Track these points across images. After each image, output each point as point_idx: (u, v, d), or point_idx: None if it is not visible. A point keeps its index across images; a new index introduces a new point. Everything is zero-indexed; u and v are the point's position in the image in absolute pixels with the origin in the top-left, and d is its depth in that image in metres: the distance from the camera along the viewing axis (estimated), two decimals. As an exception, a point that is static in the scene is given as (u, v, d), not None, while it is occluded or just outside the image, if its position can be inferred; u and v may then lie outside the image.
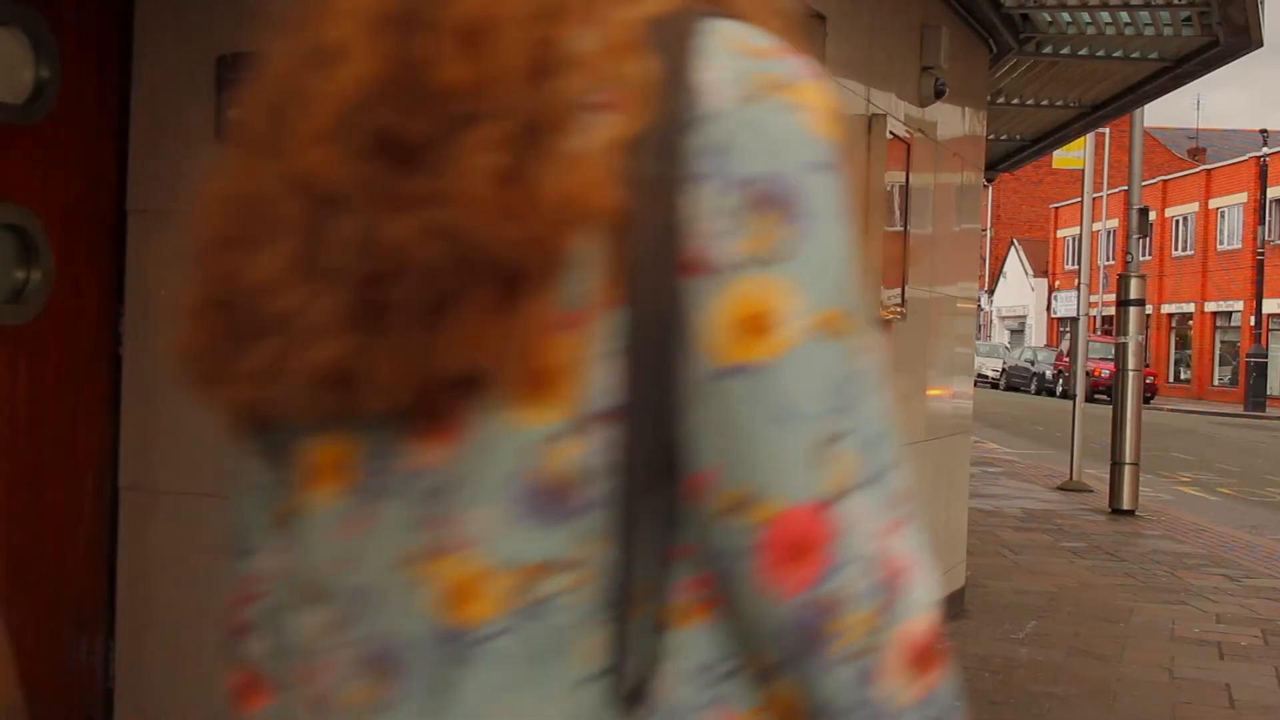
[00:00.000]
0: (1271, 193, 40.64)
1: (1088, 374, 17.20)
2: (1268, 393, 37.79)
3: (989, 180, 12.24)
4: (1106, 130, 23.46)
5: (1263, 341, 38.74)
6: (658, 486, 0.87)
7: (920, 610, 0.89)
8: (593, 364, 0.86)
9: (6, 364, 3.71)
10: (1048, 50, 8.79)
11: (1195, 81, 9.52)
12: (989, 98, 9.00)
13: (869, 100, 5.88)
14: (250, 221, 0.95)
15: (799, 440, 0.86)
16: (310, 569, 0.99)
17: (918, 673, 0.88)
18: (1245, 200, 42.67)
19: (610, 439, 0.87)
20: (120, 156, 4.02)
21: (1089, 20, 8.18)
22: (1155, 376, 39.97)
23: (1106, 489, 12.88)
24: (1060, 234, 55.02)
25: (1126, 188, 14.81)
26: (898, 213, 6.22)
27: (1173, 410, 36.12)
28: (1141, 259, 15.46)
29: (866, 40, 5.90)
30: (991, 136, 10.92)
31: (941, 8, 7.06)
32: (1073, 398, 15.39)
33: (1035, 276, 58.24)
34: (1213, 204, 45.33)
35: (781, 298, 0.86)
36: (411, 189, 0.86)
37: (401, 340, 0.86)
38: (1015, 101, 10.49)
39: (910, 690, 0.88)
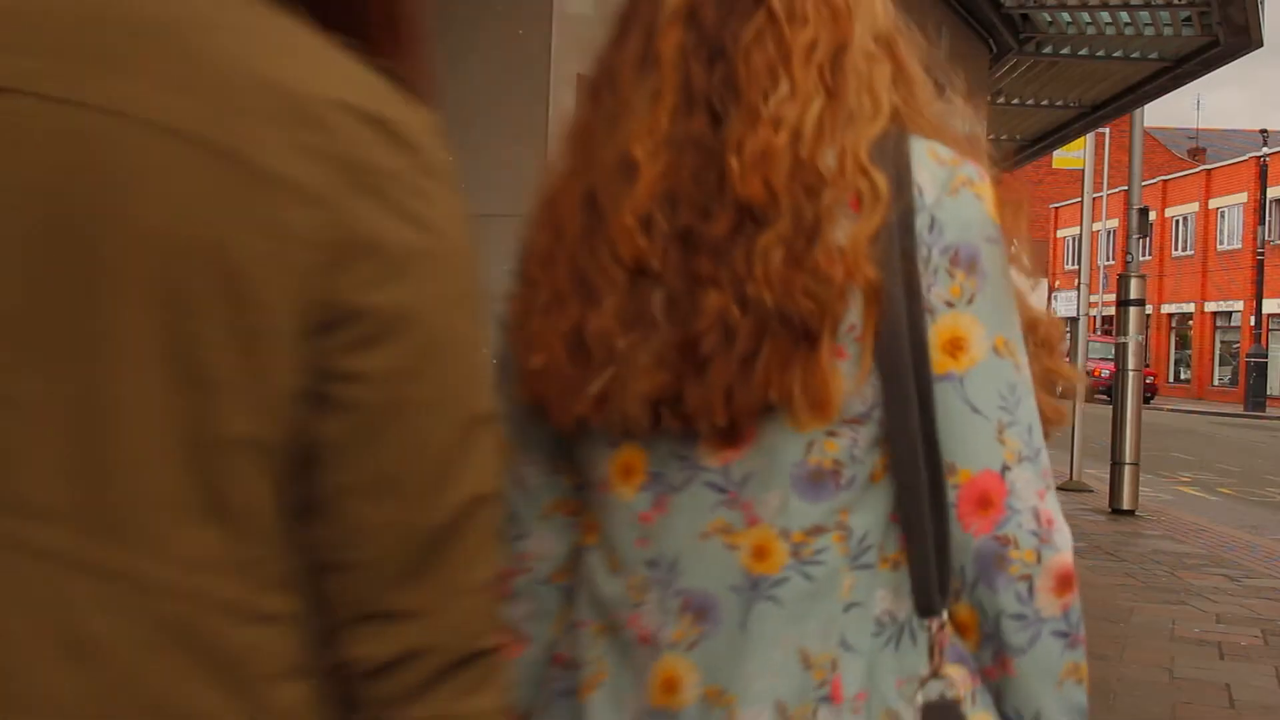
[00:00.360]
0: (1271, 193, 40.66)
1: (1088, 374, 17.22)
2: (1268, 393, 37.80)
3: (989, 180, 12.24)
4: (1106, 130, 23.48)
5: (1263, 341, 38.75)
6: (913, 460, 1.26)
7: (1062, 551, 1.27)
8: (849, 381, 1.23)
9: (6, 364, 3.70)
10: (1048, 50, 8.80)
11: (1195, 81, 9.53)
12: (989, 98, 9.00)
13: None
14: (587, 282, 1.28)
15: (984, 426, 1.25)
16: (615, 549, 1.32)
17: (1060, 593, 1.26)
18: (1245, 200, 42.69)
19: (857, 437, 1.25)
20: (120, 156, 4.01)
21: (1089, 20, 8.18)
22: (1155, 376, 40.00)
23: (1106, 489, 12.87)
24: (1060, 234, 55.05)
25: (1126, 188, 14.82)
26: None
27: (1173, 410, 36.15)
28: (1141, 259, 15.48)
29: (866, 40, 5.91)
30: (991, 136, 10.94)
31: (941, 8, 7.07)
32: (1073, 398, 15.36)
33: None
34: (1213, 204, 45.36)
35: (970, 327, 1.25)
36: (718, 272, 1.23)
37: (719, 379, 1.22)
38: (1015, 101, 10.50)
39: (1055, 605, 1.25)
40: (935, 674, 1.26)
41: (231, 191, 0.93)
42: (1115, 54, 8.95)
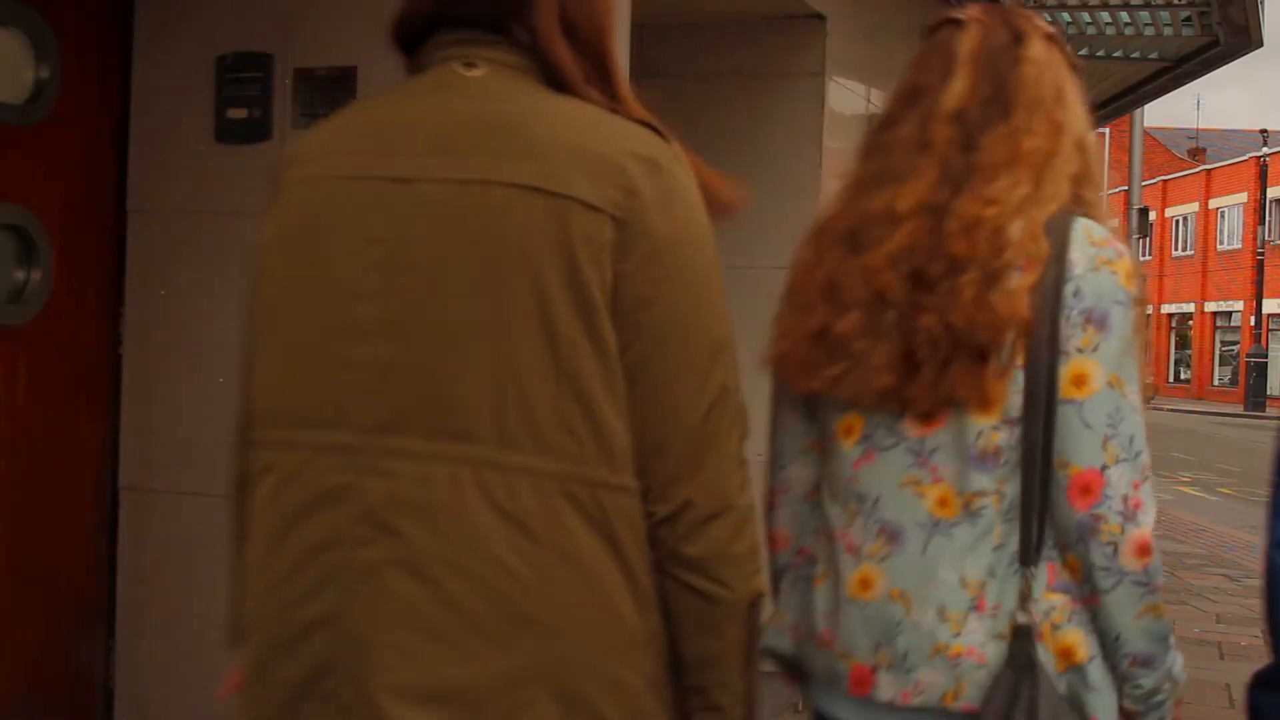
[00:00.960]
0: (1271, 193, 40.63)
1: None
2: (1268, 393, 37.77)
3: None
4: (1106, 130, 23.46)
5: (1263, 341, 38.72)
6: (1037, 456, 1.77)
7: (1143, 527, 1.77)
8: (1010, 394, 1.77)
9: (6, 364, 3.71)
10: (1048, 50, 8.79)
11: (1195, 81, 9.52)
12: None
13: (869, 100, 5.89)
14: (837, 296, 1.83)
15: (1093, 437, 1.77)
16: (835, 483, 1.90)
17: (1139, 556, 1.77)
18: (1245, 200, 42.67)
19: (1012, 433, 1.78)
20: (120, 156, 4.02)
21: (1089, 20, 8.18)
22: (1155, 376, 39.92)
23: (1106, 489, 12.84)
24: (1060, 234, 54.96)
25: (1126, 188, 14.82)
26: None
27: (1173, 410, 36.13)
28: (1141, 259, 15.47)
29: (866, 40, 5.90)
30: (991, 136, 10.93)
31: (942, 8, 7.07)
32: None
33: (1035, 276, 58.24)
34: (1213, 204, 45.34)
35: (1092, 368, 1.77)
36: (931, 302, 1.77)
37: (926, 380, 1.78)
38: (1015, 101, 10.49)
39: (1135, 563, 1.77)
40: (1025, 602, 1.79)
41: (565, 219, 1.50)
42: (1115, 54, 8.94)
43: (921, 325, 1.78)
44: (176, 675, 3.97)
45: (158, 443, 4.00)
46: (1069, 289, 1.77)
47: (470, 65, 1.61)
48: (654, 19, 5.26)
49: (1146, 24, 8.12)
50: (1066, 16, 8.09)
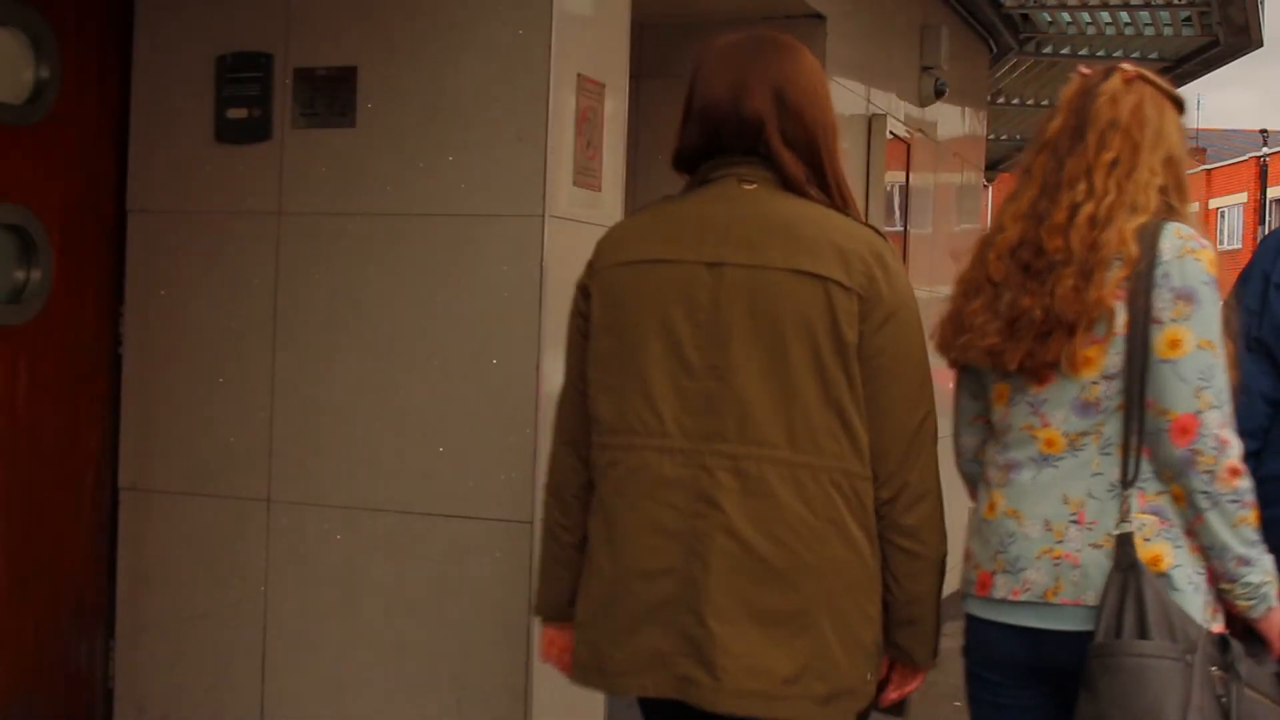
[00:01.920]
0: (1271, 193, 40.61)
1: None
2: (1268, 393, 37.72)
3: (989, 180, 12.23)
4: (1106, 130, 23.43)
5: (1263, 341, 38.66)
6: (1134, 405, 2.25)
7: (1232, 457, 2.23)
8: (1108, 356, 2.26)
9: (6, 364, 3.71)
10: (1048, 50, 8.79)
11: (1198, 82, 9.52)
12: (989, 98, 8.99)
13: (869, 100, 5.88)
14: (971, 288, 2.41)
15: (1188, 388, 2.23)
16: (993, 441, 2.45)
17: (1231, 478, 2.24)
18: (1245, 200, 42.65)
19: (1110, 387, 2.28)
20: (120, 156, 4.02)
21: (1089, 20, 8.17)
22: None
23: (1106, 489, 12.84)
24: (1060, 234, 55.00)
25: (1126, 188, 14.75)
26: (898, 213, 6.22)
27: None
28: (1141, 259, 15.39)
29: (866, 40, 5.90)
30: (991, 136, 10.92)
31: (941, 8, 7.06)
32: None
33: (1035, 276, 58.22)
34: (1213, 204, 45.32)
35: (1185, 334, 2.24)
36: (1036, 288, 2.29)
37: (1027, 347, 2.30)
38: (1015, 101, 10.48)
39: (1228, 485, 2.23)
40: (1125, 517, 2.25)
41: (828, 295, 2.25)
42: (1115, 54, 8.93)
43: (1024, 305, 2.30)
44: (176, 675, 3.97)
45: (158, 443, 4.00)
46: (1159, 272, 2.25)
47: (745, 181, 2.34)
48: (654, 19, 5.26)
49: (1146, 24, 8.11)
50: (1066, 16, 8.09)
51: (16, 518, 3.76)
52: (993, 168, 12.95)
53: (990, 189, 15.09)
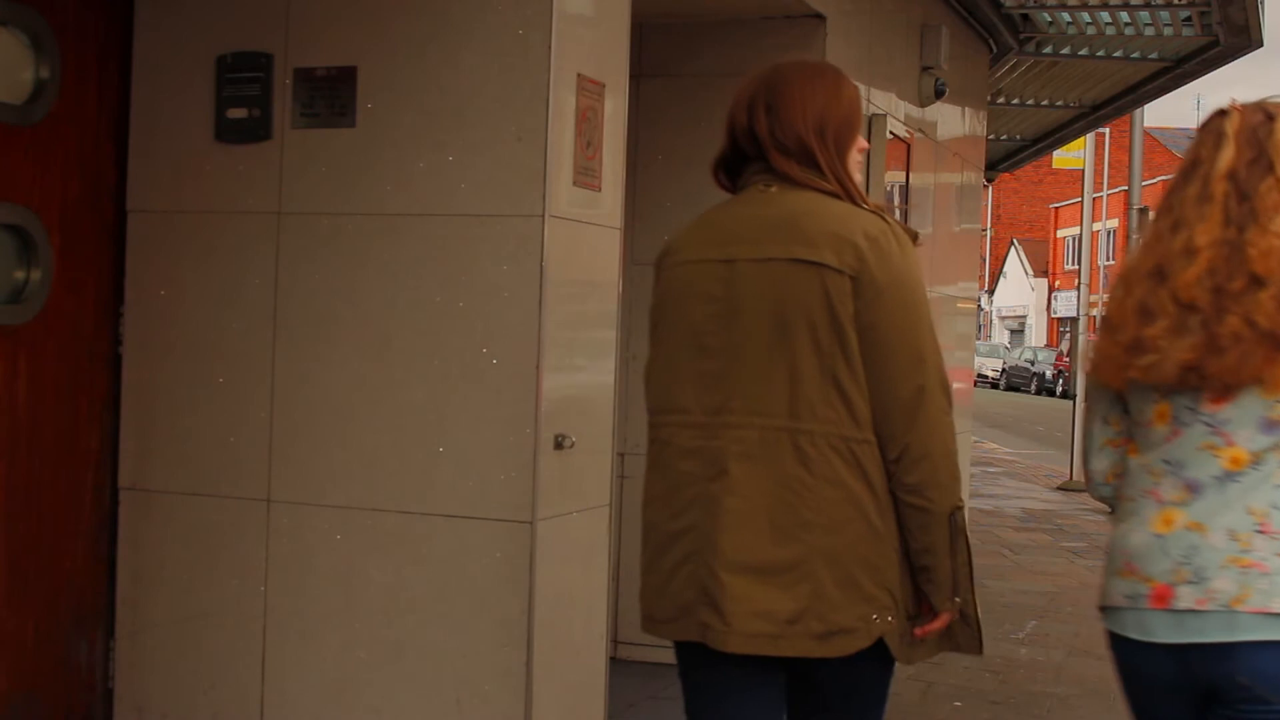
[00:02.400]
0: (1271, 193, 40.56)
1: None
2: (1268, 393, 37.69)
3: (989, 180, 12.23)
4: (1106, 130, 23.45)
5: (1263, 341, 38.64)
6: None
7: None
8: None
9: (6, 364, 3.71)
10: (1048, 50, 8.78)
11: (1199, 82, 9.52)
12: (989, 98, 9.00)
13: (869, 100, 5.89)
14: (1147, 314, 2.40)
15: None
16: (1147, 455, 2.46)
17: None
18: (1245, 200, 42.56)
19: None
20: (120, 156, 4.02)
21: (1089, 20, 8.17)
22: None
23: (1107, 489, 12.84)
24: (1060, 234, 55.00)
25: (1126, 188, 14.81)
26: (898, 213, 6.22)
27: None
28: (1141, 259, 15.41)
29: (866, 40, 5.90)
30: (991, 136, 10.91)
31: (941, 8, 7.07)
32: (1072, 398, 15.39)
33: (1035, 276, 58.22)
34: (1213, 204, 45.22)
35: None
36: (1236, 307, 2.32)
37: (1230, 362, 2.31)
38: (1015, 101, 10.48)
39: None
40: None
41: (823, 278, 2.50)
42: (1115, 54, 8.93)
43: (1227, 323, 2.35)
44: (176, 675, 3.98)
45: (158, 443, 4.00)
46: None
47: (768, 185, 2.65)
48: (654, 19, 5.26)
49: (1146, 24, 8.11)
50: (1066, 16, 8.09)
51: (17, 517, 3.76)
52: (993, 168, 12.95)
53: (990, 189, 15.09)
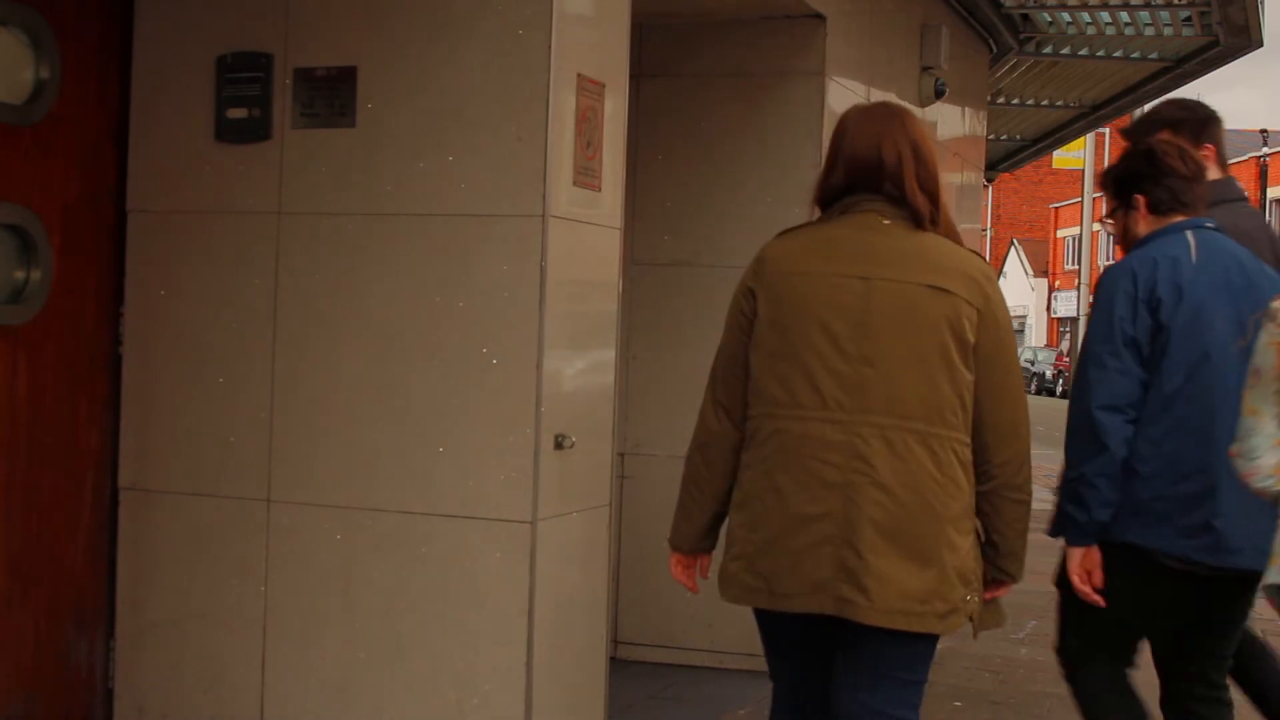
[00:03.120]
0: (1271, 193, 40.60)
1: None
2: (1268, 393, 37.70)
3: (989, 180, 12.23)
4: (1106, 130, 23.45)
5: (1263, 341, 38.63)
6: None
7: None
8: None
9: (6, 364, 3.71)
10: (1048, 50, 8.78)
11: (1200, 82, 9.52)
12: (989, 98, 8.99)
13: (868, 100, 5.88)
14: None
15: None
16: None
17: None
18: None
19: None
20: (120, 156, 4.02)
21: (1089, 20, 8.17)
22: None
23: (1106, 489, 12.82)
24: (1060, 234, 54.99)
25: (1126, 188, 14.74)
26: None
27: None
28: (1141, 259, 15.38)
29: (866, 40, 5.90)
30: (991, 136, 10.91)
31: (941, 8, 7.06)
32: (1073, 398, 15.34)
33: (1035, 276, 58.21)
34: (1213, 204, 45.24)
35: None
36: None
37: None
38: (1015, 101, 10.48)
39: None
40: None
41: (955, 306, 2.92)
42: (1115, 54, 8.93)
43: None
44: (176, 675, 3.98)
45: (158, 443, 4.00)
46: None
47: (883, 217, 3.00)
48: (654, 19, 5.26)
49: (1146, 24, 8.11)
50: (1066, 16, 8.09)
51: (17, 517, 3.76)
52: (993, 168, 12.95)
53: (990, 189, 15.07)
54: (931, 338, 2.92)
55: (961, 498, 2.94)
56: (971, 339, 2.93)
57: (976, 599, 3.00)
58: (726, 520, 3.09)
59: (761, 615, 3.09)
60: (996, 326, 2.97)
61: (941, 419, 2.91)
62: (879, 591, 2.88)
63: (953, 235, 3.04)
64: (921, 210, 2.98)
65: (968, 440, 2.96)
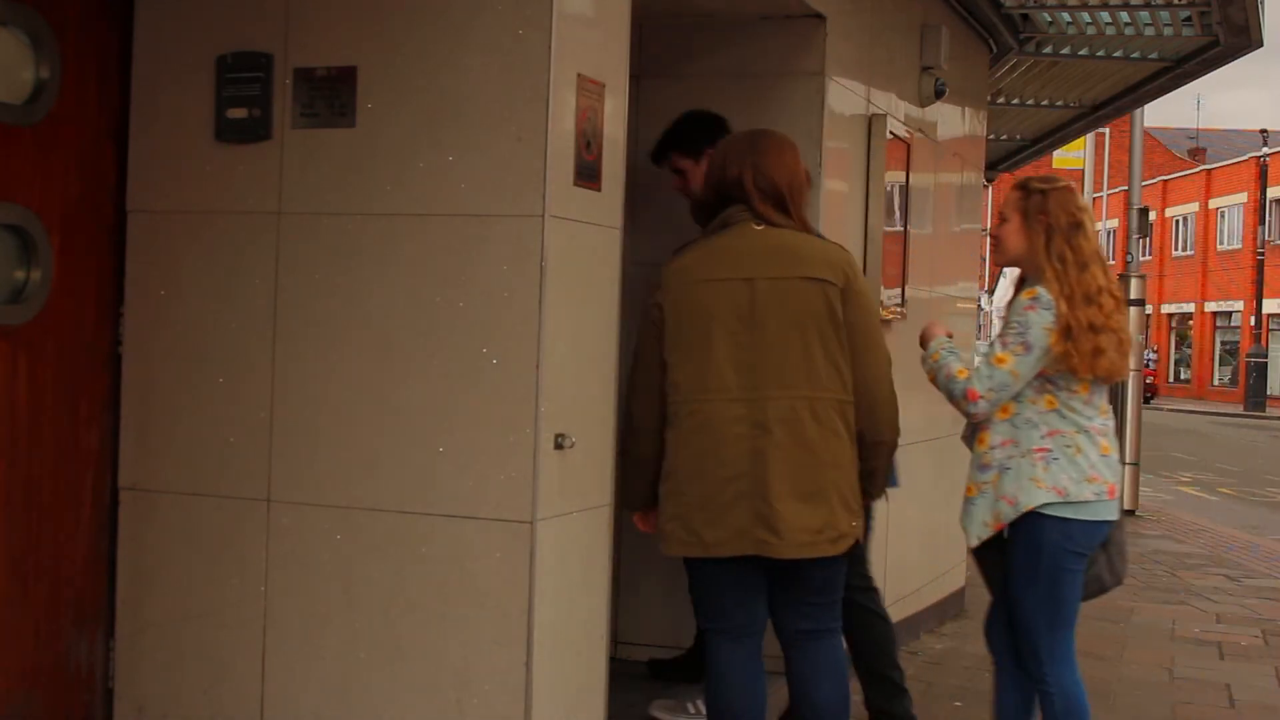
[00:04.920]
0: (1271, 193, 40.60)
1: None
2: (1268, 393, 37.73)
3: (989, 180, 12.23)
4: (1106, 130, 23.47)
5: (1263, 341, 38.68)
6: None
7: None
8: None
9: (6, 364, 3.71)
10: (1048, 50, 8.78)
11: (1204, 82, 9.50)
12: (989, 98, 8.99)
13: (869, 100, 5.88)
14: None
15: None
16: (1092, 410, 4.04)
17: None
18: (1245, 200, 42.64)
19: None
20: (120, 156, 4.02)
21: (1089, 20, 8.17)
22: (1155, 376, 39.93)
23: (1106, 489, 12.86)
24: (1060, 234, 54.86)
25: (1126, 188, 14.81)
26: (898, 213, 6.21)
27: (1173, 410, 36.11)
28: (1141, 259, 15.46)
29: (866, 40, 5.90)
30: (991, 136, 10.91)
31: (941, 8, 7.06)
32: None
33: (1035, 276, 58.12)
34: (1213, 204, 45.32)
35: None
36: None
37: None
38: (1015, 101, 10.48)
39: None
40: None
41: (824, 291, 3.74)
42: (1115, 54, 8.93)
43: None
44: (176, 675, 3.97)
45: (158, 443, 4.00)
46: None
47: (754, 224, 3.79)
48: (654, 18, 5.26)
49: (1146, 24, 8.11)
50: (1066, 16, 8.08)
51: (17, 517, 3.76)
52: (993, 168, 12.95)
53: (990, 189, 15.07)
54: (808, 320, 3.70)
55: (841, 444, 3.72)
56: (840, 315, 3.71)
57: (859, 523, 3.79)
58: (660, 488, 3.79)
59: (696, 565, 3.81)
60: (859, 303, 3.76)
61: (821, 384, 3.69)
62: (787, 531, 3.65)
63: (809, 229, 3.92)
64: (772, 216, 3.80)
65: (847, 397, 3.73)
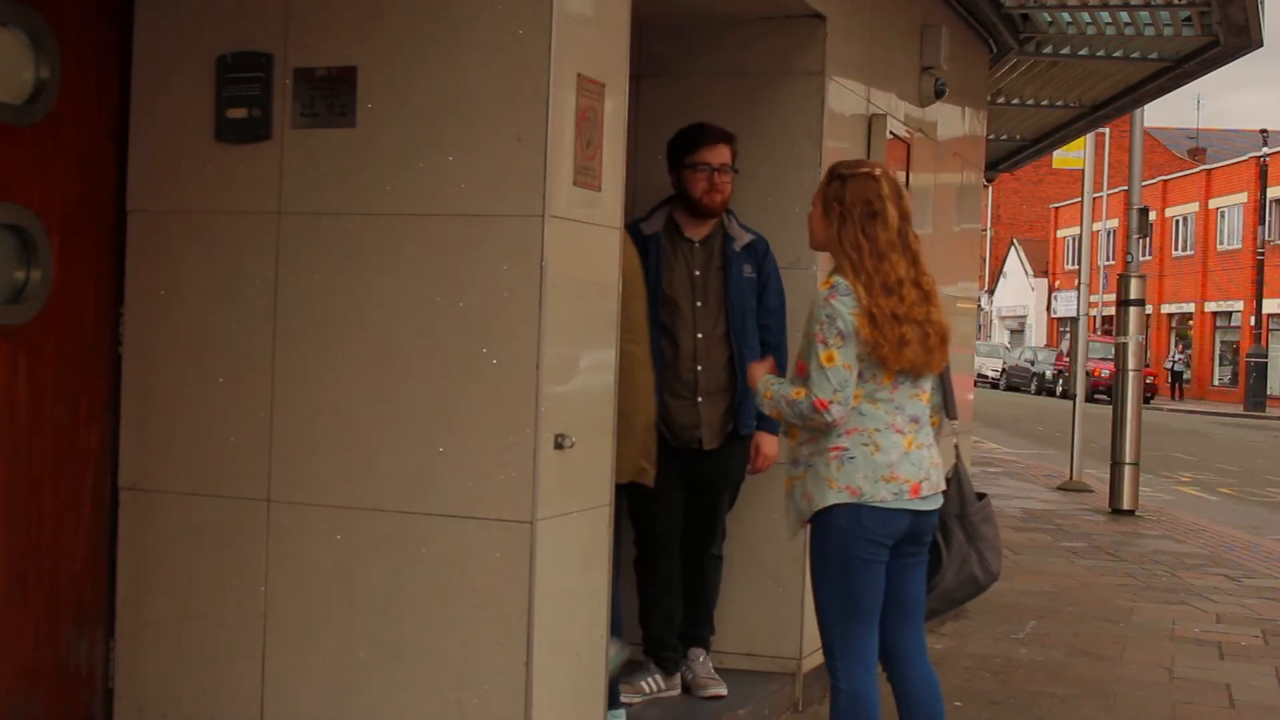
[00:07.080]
0: (1271, 193, 40.58)
1: (1088, 374, 17.17)
2: (1268, 393, 37.70)
3: (989, 180, 12.23)
4: (1106, 130, 23.44)
5: (1263, 341, 38.65)
6: None
7: None
8: None
9: (6, 364, 3.71)
10: (1048, 50, 8.78)
11: (1201, 82, 9.52)
12: (989, 98, 8.99)
13: (869, 100, 5.88)
14: None
15: None
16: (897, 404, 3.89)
17: None
18: (1245, 200, 42.62)
19: None
20: (120, 156, 4.02)
21: (1089, 20, 8.17)
22: (1155, 377, 39.95)
23: (1106, 489, 12.87)
24: (1060, 234, 54.99)
25: (1126, 188, 14.81)
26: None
27: (1173, 410, 36.11)
28: (1141, 259, 15.45)
29: (866, 40, 5.90)
30: (991, 136, 10.91)
31: (941, 8, 7.06)
32: (1073, 398, 15.38)
33: (1035, 276, 58.18)
34: (1213, 204, 45.30)
35: None
36: None
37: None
38: (1015, 101, 10.48)
39: None
40: None
41: None
42: (1115, 54, 8.93)
43: None
44: (176, 675, 3.97)
45: (158, 443, 4.00)
46: None
47: None
48: (654, 18, 5.26)
49: (1146, 24, 8.11)
50: (1066, 16, 8.08)
51: (17, 517, 3.76)
52: (993, 168, 12.95)
53: (990, 189, 15.05)
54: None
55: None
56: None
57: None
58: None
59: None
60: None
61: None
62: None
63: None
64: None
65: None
